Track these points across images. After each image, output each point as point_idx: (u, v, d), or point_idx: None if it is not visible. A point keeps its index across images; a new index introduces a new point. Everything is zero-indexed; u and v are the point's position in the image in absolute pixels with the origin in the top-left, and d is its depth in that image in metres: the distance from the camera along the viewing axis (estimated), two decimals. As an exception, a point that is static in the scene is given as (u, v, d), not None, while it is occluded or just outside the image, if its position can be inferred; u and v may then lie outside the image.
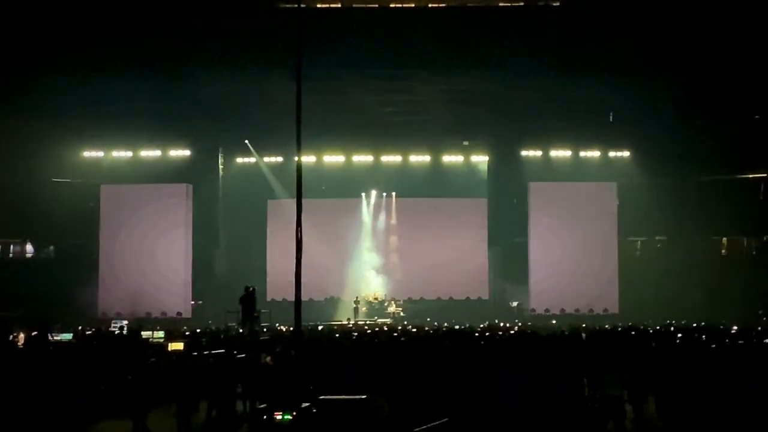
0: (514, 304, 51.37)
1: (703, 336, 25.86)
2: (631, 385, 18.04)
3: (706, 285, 46.16)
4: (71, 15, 40.62)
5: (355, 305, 49.21)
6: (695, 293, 45.33)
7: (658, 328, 32.46)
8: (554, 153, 51.62)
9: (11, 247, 51.84)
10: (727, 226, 50.57)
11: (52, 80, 42.37)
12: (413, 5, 46.13)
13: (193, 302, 50.44)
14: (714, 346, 21.57)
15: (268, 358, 20.98)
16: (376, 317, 48.17)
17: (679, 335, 26.14)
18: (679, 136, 47.24)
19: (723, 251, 52.51)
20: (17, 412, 18.65)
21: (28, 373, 19.94)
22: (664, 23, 40.75)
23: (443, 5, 46.30)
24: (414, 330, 32.23)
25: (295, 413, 12.99)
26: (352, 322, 44.94)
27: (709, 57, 42.74)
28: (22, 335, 29.40)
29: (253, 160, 53.08)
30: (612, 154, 51.54)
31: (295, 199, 14.80)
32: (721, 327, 32.47)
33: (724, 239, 52.31)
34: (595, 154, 51.68)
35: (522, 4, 46.20)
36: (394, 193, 53.65)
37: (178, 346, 25.33)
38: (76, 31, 41.06)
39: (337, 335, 28.93)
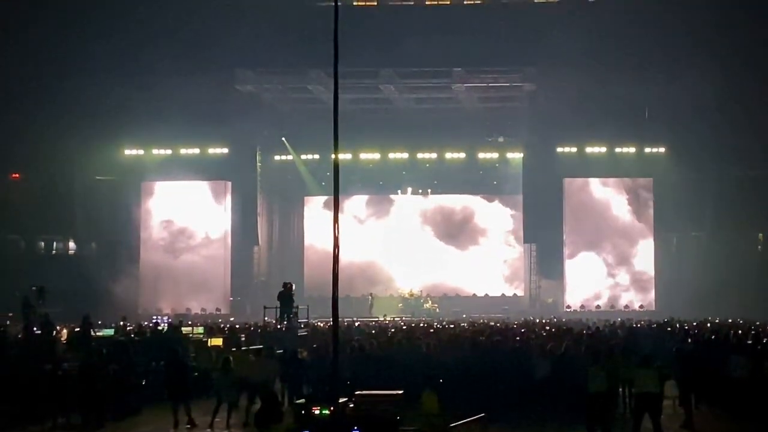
0: (550, 300, 51.37)
1: (739, 332, 25.88)
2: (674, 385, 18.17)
3: (743, 280, 45.85)
4: (113, 18, 41.37)
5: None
6: (731, 289, 44.99)
7: (694, 324, 32.36)
8: (589, 149, 51.33)
9: (54, 243, 52.58)
10: (764, 221, 50.13)
11: (94, 81, 42.99)
12: (449, 3, 46.35)
13: (231, 298, 50.93)
14: (750, 342, 21.65)
15: (306, 354, 21.31)
16: (412, 313, 48.11)
17: (715, 332, 26.14)
18: (715, 132, 46.79)
19: (759, 247, 52.03)
20: (62, 405, 19.17)
21: (72, 367, 20.43)
22: (699, 18, 40.60)
23: (479, 2, 46.50)
24: (451, 326, 32.38)
25: (333, 408, 13.15)
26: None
27: (745, 51, 42.51)
28: (64, 331, 29.97)
29: (290, 157, 53.42)
30: (647, 149, 51.17)
31: (332, 197, 14.82)
32: (758, 323, 32.37)
33: (761, 235, 51.83)
34: (630, 150, 51.33)
35: (557, 0, 46.32)
36: (429, 190, 53.83)
37: (218, 341, 25.76)
38: (117, 33, 41.77)
39: (373, 331, 29.20)
